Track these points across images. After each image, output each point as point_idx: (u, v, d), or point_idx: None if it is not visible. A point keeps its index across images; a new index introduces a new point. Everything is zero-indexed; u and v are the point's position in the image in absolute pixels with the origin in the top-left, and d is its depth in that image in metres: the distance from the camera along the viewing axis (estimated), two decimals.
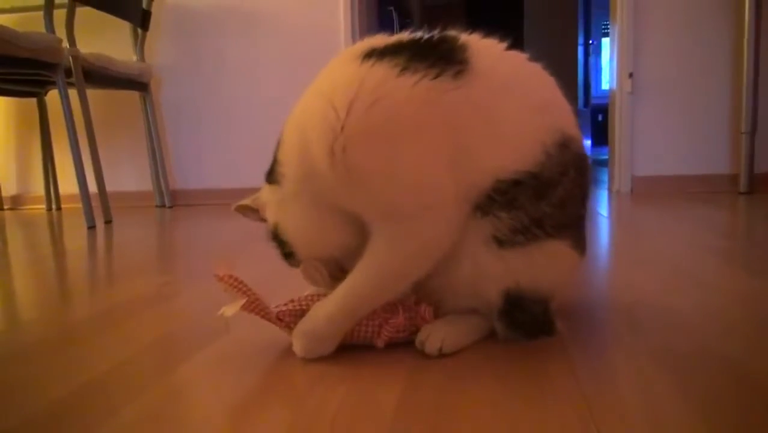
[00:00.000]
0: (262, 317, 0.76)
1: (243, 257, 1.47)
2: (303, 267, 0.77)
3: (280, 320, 0.76)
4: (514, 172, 0.67)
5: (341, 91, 0.66)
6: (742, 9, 2.40)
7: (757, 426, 0.54)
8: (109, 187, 2.41)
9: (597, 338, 0.79)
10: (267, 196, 0.79)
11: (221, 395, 0.65)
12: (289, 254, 0.77)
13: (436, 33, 0.72)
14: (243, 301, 0.74)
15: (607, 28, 6.25)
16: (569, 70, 6.01)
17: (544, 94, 0.74)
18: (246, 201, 0.82)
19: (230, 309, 0.73)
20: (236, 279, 0.75)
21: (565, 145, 0.70)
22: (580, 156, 0.73)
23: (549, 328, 0.76)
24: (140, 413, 0.60)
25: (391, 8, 3.94)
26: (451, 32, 0.73)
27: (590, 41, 6.44)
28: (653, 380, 0.64)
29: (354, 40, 2.79)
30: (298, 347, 0.73)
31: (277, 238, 0.77)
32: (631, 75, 2.55)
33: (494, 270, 0.69)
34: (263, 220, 0.81)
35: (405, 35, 0.72)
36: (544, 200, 0.68)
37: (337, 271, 0.76)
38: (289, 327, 0.76)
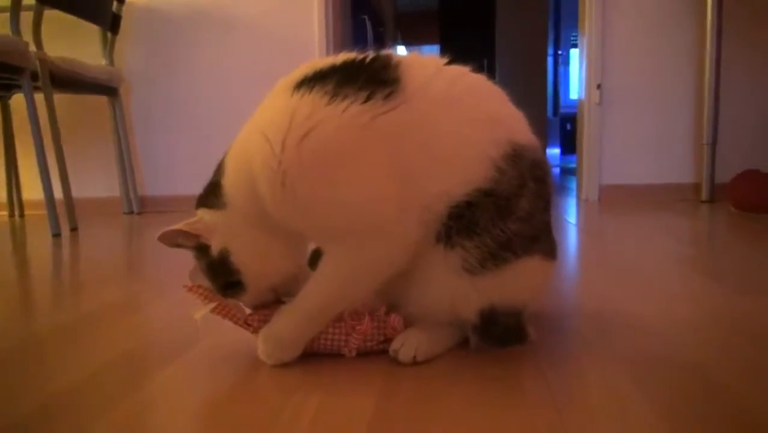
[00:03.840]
0: (231, 320, 0.76)
1: None
2: (251, 298, 0.75)
3: (248, 324, 0.76)
4: (465, 194, 0.67)
5: (275, 126, 0.67)
6: (704, 26, 2.48)
7: (719, 429, 0.55)
8: (76, 194, 2.35)
9: (566, 345, 0.80)
10: (212, 220, 0.74)
11: (194, 407, 0.64)
12: (232, 284, 0.73)
13: (370, 53, 0.72)
14: (213, 304, 0.74)
15: (576, 39, 6.40)
16: (539, 79, 6.12)
17: (485, 106, 0.72)
18: (178, 226, 0.73)
19: (200, 312, 0.73)
20: (205, 289, 0.75)
21: (518, 155, 0.69)
22: (537, 164, 0.72)
23: (521, 336, 0.77)
24: (111, 428, 0.59)
25: (365, 17, 3.96)
26: (385, 52, 0.72)
27: (559, 52, 6.58)
28: (621, 386, 0.65)
29: (328, 48, 2.79)
30: (261, 352, 0.74)
31: (222, 265, 0.73)
32: (599, 86, 2.62)
33: (469, 296, 0.70)
34: (198, 247, 0.75)
35: (339, 58, 0.72)
36: (509, 218, 0.69)
37: (274, 302, 0.77)
38: (257, 332, 0.76)
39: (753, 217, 2.06)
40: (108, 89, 2.73)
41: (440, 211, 0.68)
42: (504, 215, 0.68)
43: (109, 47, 2.75)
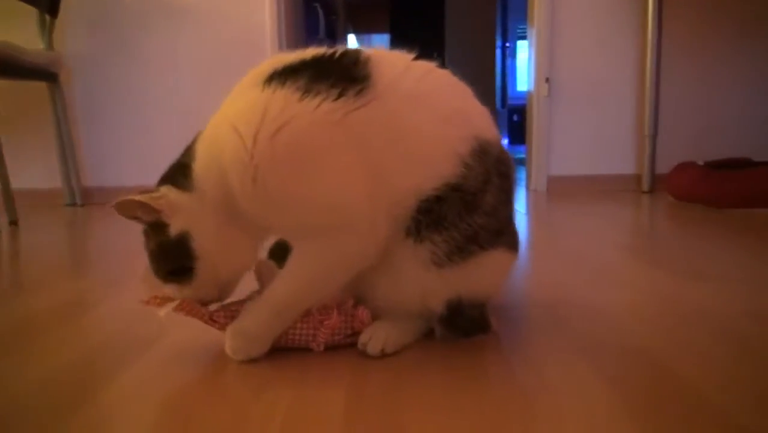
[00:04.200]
0: (196, 317, 0.75)
1: None
2: (195, 289, 0.73)
3: (214, 321, 0.76)
4: (434, 188, 0.68)
5: (246, 120, 0.67)
6: (647, 23, 2.59)
7: (676, 415, 0.59)
8: (13, 185, 2.24)
9: (526, 334, 0.83)
10: (177, 200, 0.71)
11: (158, 409, 0.63)
12: (184, 270, 0.71)
13: (338, 48, 0.72)
14: (174, 303, 0.72)
15: (523, 32, 6.52)
16: (488, 71, 6.23)
17: (453, 103, 0.74)
18: (139, 197, 0.69)
19: (164, 309, 0.71)
20: (162, 299, 0.73)
21: (484, 151, 0.71)
22: (501, 159, 0.75)
23: (485, 326, 0.79)
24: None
25: (317, 4, 3.92)
26: (354, 47, 0.73)
27: (507, 44, 6.70)
28: (580, 371, 0.69)
29: (280, 37, 2.75)
30: (228, 348, 0.73)
31: (179, 248, 0.70)
32: (547, 80, 2.69)
33: (437, 288, 0.72)
34: (154, 224, 0.72)
35: (308, 52, 0.72)
36: (475, 212, 0.71)
37: (214, 297, 0.75)
38: (223, 328, 0.75)
39: (690, 206, 2.18)
40: (47, 75, 2.60)
41: (410, 205, 0.69)
42: (471, 210, 0.70)
43: (47, 31, 2.61)
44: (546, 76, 2.69)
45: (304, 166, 0.66)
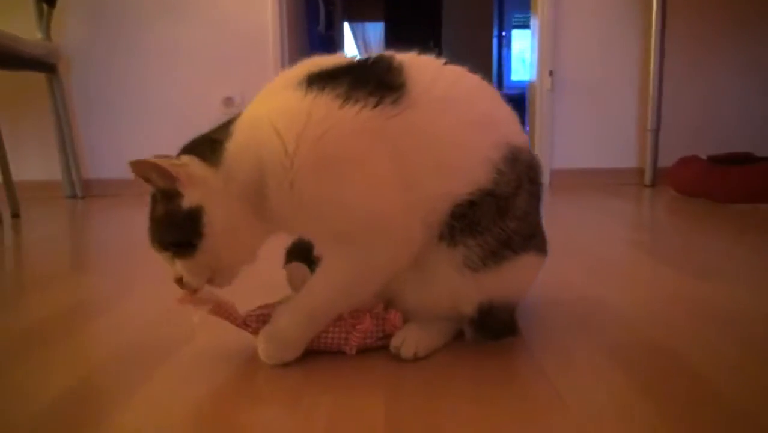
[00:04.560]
0: (229, 320, 0.75)
1: None
2: (188, 267, 0.71)
3: (246, 325, 0.76)
4: (468, 194, 0.69)
5: (288, 123, 0.66)
6: (650, 17, 2.59)
7: (702, 410, 0.60)
8: (13, 177, 2.21)
9: (552, 335, 0.83)
10: (201, 172, 0.69)
11: (201, 409, 0.63)
12: (188, 244, 0.68)
13: (372, 55, 0.73)
14: (208, 306, 0.72)
15: (519, 21, 6.51)
16: (485, 61, 6.21)
17: (485, 109, 0.74)
18: (158, 160, 0.67)
19: (197, 314, 0.71)
20: (197, 297, 0.73)
21: (515, 157, 0.72)
22: (531, 165, 0.75)
23: (513, 329, 0.80)
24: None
25: None
26: (387, 53, 0.73)
27: (503, 33, 6.67)
28: (612, 375, 0.69)
29: (281, 27, 2.73)
30: (262, 352, 0.73)
31: (189, 222, 0.68)
32: (551, 73, 2.69)
33: (469, 292, 0.72)
34: (166, 191, 0.69)
35: (340, 58, 0.72)
36: (508, 217, 0.71)
37: (202, 282, 0.73)
38: (256, 332, 0.75)
39: (692, 201, 2.20)
40: (46, 66, 2.56)
41: (444, 210, 0.69)
42: (503, 214, 0.71)
43: (45, 21, 2.57)
44: (550, 69, 2.69)
45: (343, 173, 0.66)
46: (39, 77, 2.62)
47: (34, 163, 2.79)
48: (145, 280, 1.17)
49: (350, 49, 6.10)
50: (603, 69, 2.73)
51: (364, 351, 0.76)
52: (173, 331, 0.87)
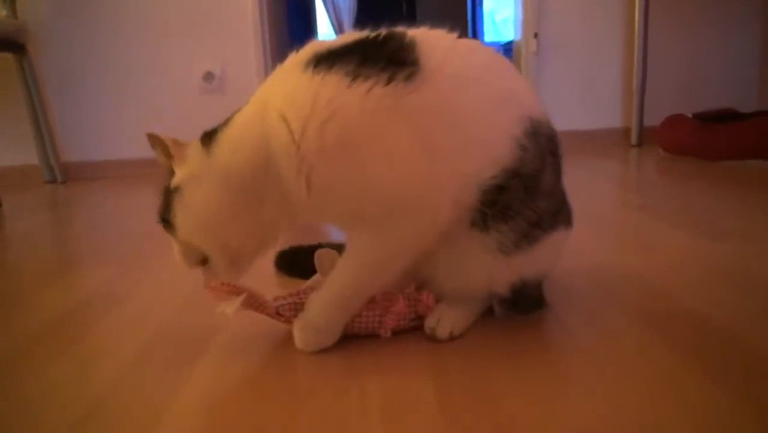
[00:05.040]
0: (262, 312, 0.75)
1: None
2: (176, 245, 0.73)
3: (279, 315, 0.75)
4: (493, 177, 0.67)
5: (295, 108, 0.64)
6: None
7: (739, 378, 0.62)
8: None
9: (578, 304, 0.84)
10: (194, 154, 0.70)
11: (247, 405, 0.62)
12: (166, 222, 0.71)
13: (380, 31, 0.70)
14: (241, 298, 0.71)
15: None
16: (460, 21, 6.12)
17: (502, 83, 0.72)
18: (167, 137, 0.71)
19: (230, 307, 0.70)
20: (228, 285, 0.72)
21: (536, 131, 0.70)
22: (551, 137, 0.74)
23: (541, 302, 0.80)
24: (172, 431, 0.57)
25: None
26: (398, 29, 0.70)
27: None
28: (653, 345, 0.70)
29: (260, 3, 2.64)
30: (298, 341, 0.73)
31: (169, 199, 0.70)
32: (536, 35, 2.66)
33: (502, 275, 0.72)
34: (168, 168, 0.72)
35: (348, 36, 0.69)
36: (537, 196, 0.70)
37: (193, 265, 0.74)
38: (289, 321, 0.75)
39: (681, 159, 2.23)
40: (13, 45, 2.45)
41: (472, 194, 0.68)
42: (532, 194, 0.70)
43: None
44: (534, 31, 2.66)
45: (357, 156, 0.64)
46: (6, 58, 2.51)
47: (8, 148, 2.69)
48: (154, 268, 1.15)
49: (322, 12, 5.95)
50: (587, 30, 2.72)
51: (397, 333, 0.75)
52: (198, 321, 0.85)
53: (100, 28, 2.65)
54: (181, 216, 0.69)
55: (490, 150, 0.68)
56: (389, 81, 0.64)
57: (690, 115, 2.33)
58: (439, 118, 0.66)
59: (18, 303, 1.01)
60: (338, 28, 6.14)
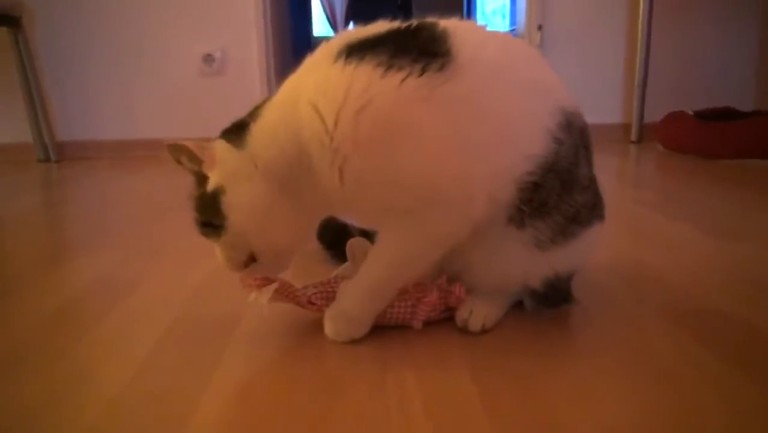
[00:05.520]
0: (293, 302, 0.74)
1: (183, 219, 1.36)
2: (222, 248, 0.70)
3: (312, 303, 0.74)
4: (529, 172, 0.67)
5: (327, 98, 0.63)
6: None
7: None
8: None
9: (605, 301, 0.84)
10: (224, 154, 0.68)
11: (283, 399, 0.61)
12: (210, 225, 0.69)
13: (412, 22, 0.69)
14: (274, 286, 0.70)
15: None
16: (455, 12, 6.09)
17: (535, 75, 0.71)
18: (188, 143, 0.68)
19: (264, 296, 0.69)
20: (260, 278, 0.71)
21: (570, 123, 0.70)
22: (583, 130, 0.74)
23: (569, 296, 0.80)
24: (208, 420, 0.56)
25: None
26: (429, 19, 0.70)
27: None
28: (682, 340, 0.71)
29: None
30: (330, 330, 0.72)
31: (210, 203, 0.68)
32: (540, 28, 2.65)
33: (538, 269, 0.72)
34: (197, 174, 0.70)
35: (379, 26, 0.68)
36: (574, 189, 0.70)
37: (241, 262, 0.72)
38: (321, 310, 0.74)
39: (681, 156, 2.25)
40: (7, 19, 2.38)
41: (508, 190, 0.67)
42: (570, 189, 0.70)
43: None
44: (539, 23, 2.66)
45: (392, 147, 0.63)
46: (1, 32, 2.44)
47: (1, 125, 2.63)
48: (162, 253, 1.13)
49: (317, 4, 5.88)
50: (591, 25, 2.72)
51: (428, 324, 0.75)
52: (216, 309, 0.84)
53: (96, 3, 2.58)
54: (233, 215, 0.67)
55: (525, 143, 0.67)
56: (423, 72, 0.63)
57: (691, 113, 2.35)
58: (473, 108, 0.65)
59: (16, 292, 0.97)
60: (332, 19, 6.08)
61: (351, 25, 6.01)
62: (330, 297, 0.73)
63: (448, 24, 0.68)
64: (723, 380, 0.62)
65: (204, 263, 1.01)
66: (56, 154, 2.59)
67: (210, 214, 0.68)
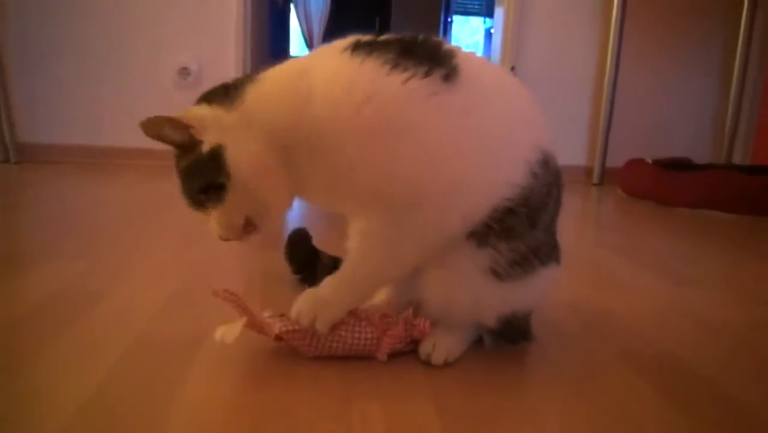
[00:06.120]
0: (263, 333, 0.74)
1: (152, 232, 1.34)
2: (222, 213, 0.70)
3: (279, 339, 0.74)
4: (508, 198, 0.69)
5: (332, 85, 0.66)
6: (610, 19, 2.69)
7: (723, 415, 0.66)
8: None
9: (563, 341, 0.87)
10: (212, 114, 0.68)
11: (255, 418, 0.61)
12: (210, 189, 0.68)
13: (419, 35, 0.72)
14: (242, 322, 0.70)
15: (461, 7, 6.56)
16: None
17: (527, 109, 0.75)
18: (171, 117, 0.67)
19: (231, 333, 0.69)
20: (234, 294, 0.71)
21: (546, 162, 0.73)
22: (557, 172, 0.77)
23: (528, 335, 0.83)
24: None
25: None
26: (435, 37, 0.73)
27: (449, 19, 6.73)
28: (637, 383, 0.74)
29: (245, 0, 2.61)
30: (296, 312, 0.73)
31: (210, 163, 0.67)
32: (513, 68, 2.74)
33: (493, 302, 0.74)
34: (185, 144, 0.69)
35: (386, 35, 0.71)
36: (537, 226, 0.73)
37: (239, 231, 0.72)
38: (289, 344, 0.74)
39: (640, 202, 2.34)
40: None
41: (484, 208, 0.69)
42: (535, 224, 0.73)
43: None
44: (512, 64, 2.75)
45: (388, 141, 0.65)
46: None
47: None
48: (129, 262, 1.11)
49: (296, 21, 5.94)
50: (561, 69, 2.83)
51: (392, 355, 0.76)
52: (183, 325, 0.84)
53: (68, 6, 2.55)
54: (238, 168, 0.67)
55: (509, 169, 0.70)
56: (426, 75, 0.66)
57: (650, 161, 2.46)
58: (470, 124, 0.68)
59: None
60: (308, 38, 6.14)
61: None
62: (299, 336, 0.73)
63: (451, 45, 0.72)
64: (664, 417, 0.65)
65: (170, 278, 1.00)
66: (17, 155, 2.52)
67: (211, 175, 0.68)
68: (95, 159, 2.58)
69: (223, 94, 0.70)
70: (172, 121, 0.67)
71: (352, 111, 0.64)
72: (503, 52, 2.77)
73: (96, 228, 1.45)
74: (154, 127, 0.67)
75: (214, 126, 0.68)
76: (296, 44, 6.10)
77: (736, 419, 0.67)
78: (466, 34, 7.07)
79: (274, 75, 0.71)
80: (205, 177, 0.68)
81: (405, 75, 0.65)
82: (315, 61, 0.70)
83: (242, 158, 0.68)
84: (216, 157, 0.67)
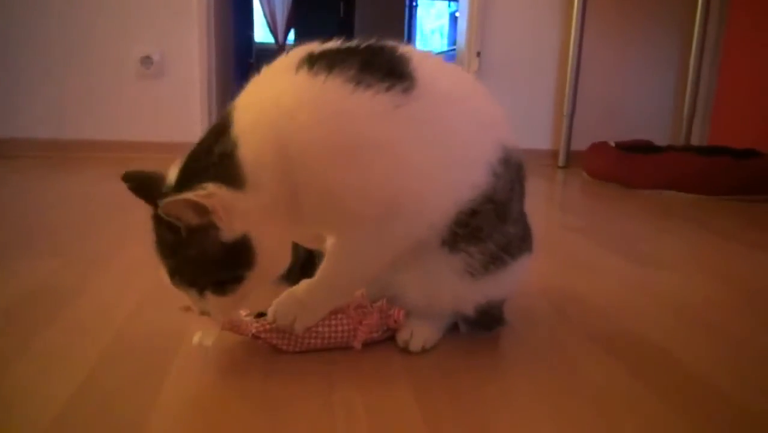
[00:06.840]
0: (242, 334, 0.75)
1: (123, 226, 1.32)
2: (228, 301, 0.67)
3: (257, 337, 0.75)
4: (471, 200, 0.71)
5: (298, 108, 0.64)
6: (572, 9, 2.74)
7: (703, 405, 0.70)
8: None
9: (534, 325, 0.91)
10: (232, 199, 0.63)
11: (239, 409, 0.62)
12: (238, 279, 0.66)
13: (366, 41, 0.71)
14: (218, 326, 0.71)
15: None
16: (397, 31, 6.21)
17: (484, 108, 0.76)
18: (190, 195, 0.60)
19: (209, 337, 0.70)
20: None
21: (508, 159, 0.74)
22: (520, 166, 0.79)
23: (501, 320, 0.86)
24: None
25: None
26: (386, 42, 0.72)
27: (414, 3, 6.70)
28: (602, 358, 0.78)
29: None
30: (272, 312, 0.75)
31: (237, 253, 0.64)
32: (478, 54, 2.77)
33: (469, 296, 0.77)
34: (203, 222, 0.62)
35: (336, 43, 0.71)
36: (506, 222, 0.75)
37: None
38: (269, 342, 0.75)
39: (604, 184, 2.40)
40: None
41: (449, 215, 0.71)
42: (503, 220, 0.75)
43: None
44: (477, 50, 2.77)
45: (356, 156, 0.65)
46: None
47: None
48: (107, 259, 1.11)
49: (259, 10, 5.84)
50: (526, 54, 2.87)
51: (370, 344, 0.78)
52: (163, 322, 0.84)
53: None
54: (261, 259, 0.65)
55: (470, 171, 0.71)
56: (388, 89, 0.66)
57: (613, 144, 2.52)
58: (431, 132, 0.69)
59: None
60: (272, 26, 6.05)
61: (292, 33, 6.02)
62: (278, 335, 0.75)
63: (405, 50, 0.72)
64: (633, 394, 0.69)
65: (146, 273, 1.00)
66: None
67: (234, 268, 0.65)
68: (61, 152, 2.51)
69: (228, 169, 0.64)
70: (197, 206, 0.61)
71: (325, 136, 0.64)
72: (468, 37, 2.79)
73: (65, 224, 1.43)
74: (175, 209, 0.61)
75: (237, 212, 0.63)
76: (260, 31, 6.01)
77: (693, 387, 0.71)
78: (432, 18, 7.06)
79: (245, 129, 0.66)
80: (227, 269, 0.65)
81: (369, 92, 0.65)
82: (271, 90, 0.67)
83: (267, 245, 0.66)
84: (244, 248, 0.64)
